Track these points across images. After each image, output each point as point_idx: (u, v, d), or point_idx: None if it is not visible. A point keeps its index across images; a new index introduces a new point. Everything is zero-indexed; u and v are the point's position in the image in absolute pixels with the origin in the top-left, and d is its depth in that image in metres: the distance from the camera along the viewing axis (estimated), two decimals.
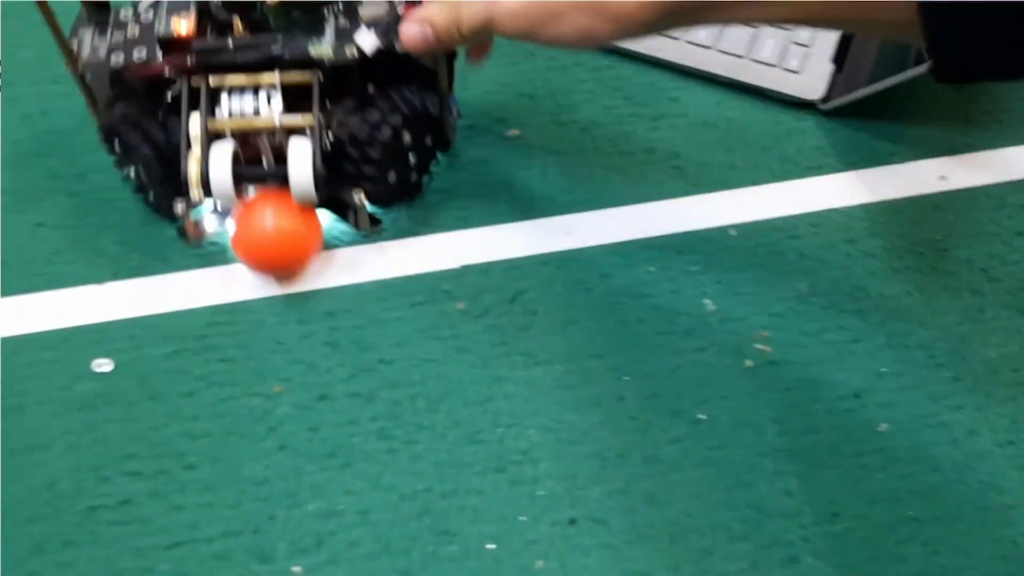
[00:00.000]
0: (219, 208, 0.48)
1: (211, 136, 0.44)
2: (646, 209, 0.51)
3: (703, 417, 0.44)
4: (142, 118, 0.44)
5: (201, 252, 0.48)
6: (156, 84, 0.44)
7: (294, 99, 0.44)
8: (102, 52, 0.44)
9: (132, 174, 0.46)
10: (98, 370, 0.45)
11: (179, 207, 0.45)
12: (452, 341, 0.46)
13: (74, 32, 0.45)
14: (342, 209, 0.48)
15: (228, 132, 0.44)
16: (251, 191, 0.46)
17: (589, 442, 0.43)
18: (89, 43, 0.44)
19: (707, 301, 0.47)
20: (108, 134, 0.45)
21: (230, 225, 0.47)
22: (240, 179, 0.44)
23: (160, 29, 0.44)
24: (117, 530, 0.41)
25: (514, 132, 0.53)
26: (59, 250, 0.48)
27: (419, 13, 0.41)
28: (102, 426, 0.43)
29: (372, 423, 0.44)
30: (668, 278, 0.48)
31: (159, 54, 0.43)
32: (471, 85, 0.55)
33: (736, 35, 0.56)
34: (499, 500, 0.42)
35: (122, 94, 0.45)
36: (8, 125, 0.53)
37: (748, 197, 0.51)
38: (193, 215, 0.47)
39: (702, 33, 0.56)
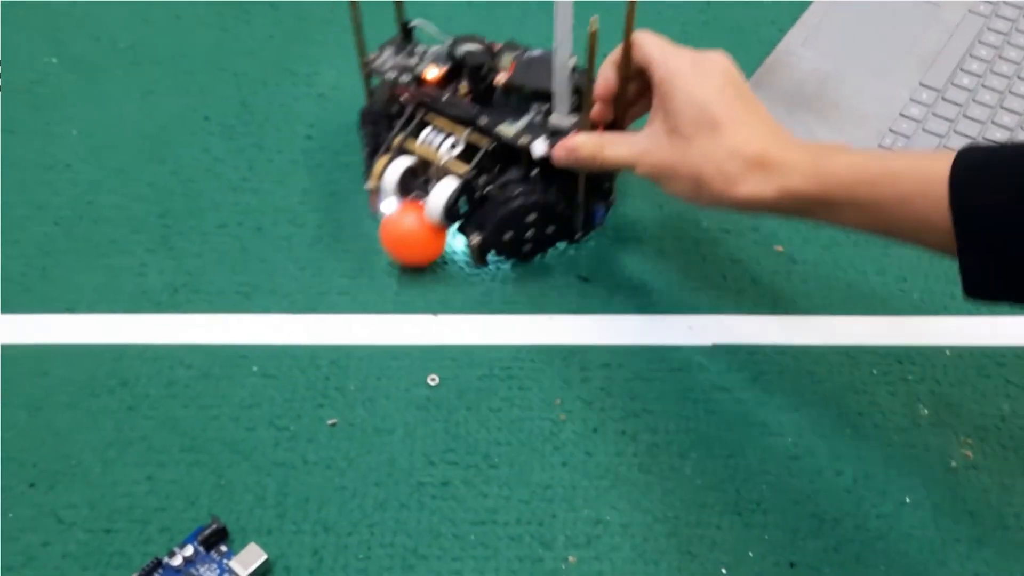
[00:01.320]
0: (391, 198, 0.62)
1: (402, 150, 0.60)
2: (874, 321, 0.61)
3: (908, 500, 0.53)
4: (380, 117, 0.62)
5: (510, 300, 0.62)
6: (398, 101, 0.61)
7: (471, 152, 0.59)
8: (387, 66, 0.61)
9: (363, 146, 0.64)
10: (430, 382, 0.58)
11: (368, 184, 0.61)
12: (703, 404, 0.57)
13: (383, 46, 0.62)
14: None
15: (413, 153, 0.60)
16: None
17: (810, 504, 0.53)
18: (385, 57, 0.62)
19: (920, 406, 0.57)
20: (362, 117, 0.63)
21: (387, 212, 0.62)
22: (404, 187, 0.60)
23: (418, 68, 0.61)
24: (438, 503, 0.53)
25: (779, 248, 0.64)
26: (406, 284, 0.62)
27: (570, 140, 0.54)
28: (430, 423, 0.56)
29: (634, 458, 0.55)
30: (888, 381, 0.58)
31: (409, 83, 0.61)
32: None
33: None
34: (733, 537, 0.52)
35: (384, 98, 0.62)
36: None
37: (964, 324, 0.60)
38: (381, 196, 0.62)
39: None
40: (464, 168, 0.59)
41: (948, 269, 0.62)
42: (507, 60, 0.60)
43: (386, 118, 0.62)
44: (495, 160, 0.59)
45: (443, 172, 0.59)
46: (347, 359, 0.59)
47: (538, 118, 0.58)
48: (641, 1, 0.79)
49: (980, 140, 0.68)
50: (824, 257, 0.64)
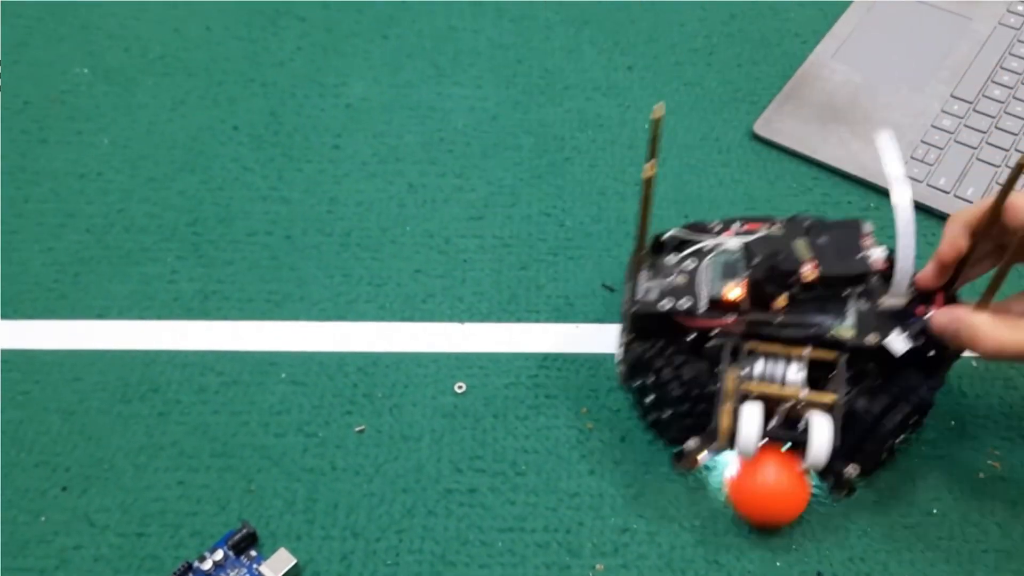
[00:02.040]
0: (737, 452, 0.50)
1: (741, 394, 0.50)
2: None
3: (936, 511, 0.53)
4: (677, 357, 0.51)
5: (535, 309, 0.62)
6: (694, 332, 0.51)
7: (814, 369, 0.50)
8: (652, 295, 0.51)
9: (649, 398, 0.53)
10: (457, 390, 0.58)
11: (691, 443, 0.52)
12: None
13: (631, 272, 0.51)
14: (824, 471, 0.51)
15: (754, 393, 0.50)
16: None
17: (837, 514, 0.53)
18: (644, 284, 0.51)
19: (947, 416, 0.57)
20: (641, 363, 0.52)
21: (730, 466, 0.53)
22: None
23: (714, 290, 0.50)
24: (466, 510, 0.54)
25: None
26: (432, 293, 0.63)
27: (962, 316, 0.46)
28: (458, 431, 0.57)
29: (661, 467, 0.55)
30: None
31: (704, 307, 0.50)
32: None
33: None
34: (760, 546, 0.52)
35: (648, 329, 0.52)
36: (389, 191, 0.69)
37: None
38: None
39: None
40: (828, 397, 0.49)
41: (973, 282, 0.63)
42: (802, 248, 0.50)
43: (681, 354, 0.52)
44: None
45: (796, 406, 0.50)
46: (374, 366, 0.59)
47: (863, 306, 0.50)
48: (667, 5, 0.80)
49: (1013, 152, 0.68)
50: None
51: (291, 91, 0.75)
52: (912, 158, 0.68)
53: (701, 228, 0.54)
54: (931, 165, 0.67)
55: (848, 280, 0.50)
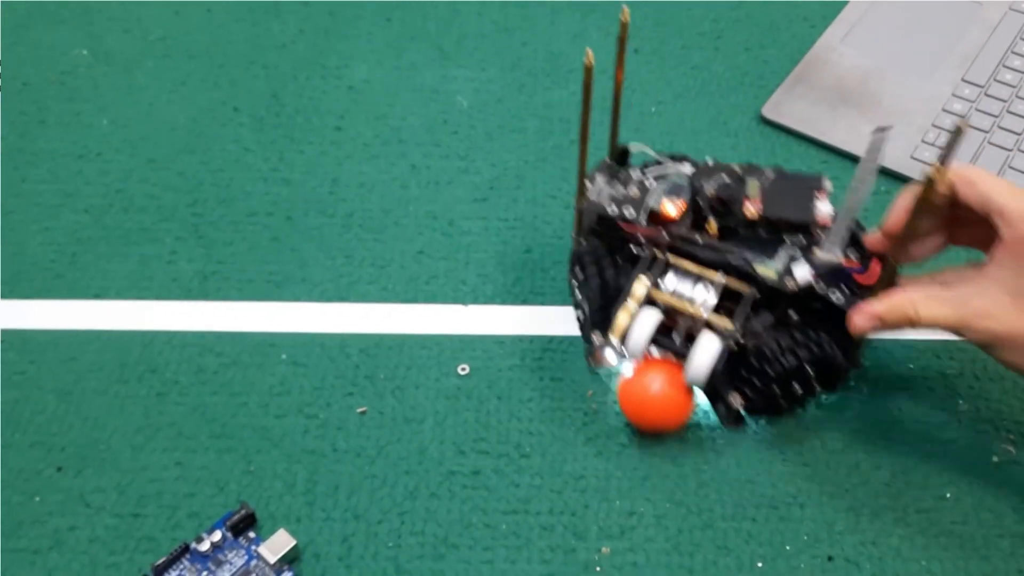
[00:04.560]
0: (624, 352, 0.52)
1: (647, 300, 0.51)
2: None
3: (949, 495, 0.52)
4: (604, 257, 0.54)
5: (540, 291, 0.61)
6: (627, 239, 0.53)
7: (724, 297, 0.51)
8: (604, 197, 0.53)
9: (577, 293, 0.55)
10: (460, 372, 0.57)
11: (595, 337, 0.54)
12: None
13: (592, 172, 0.55)
14: (714, 397, 0.53)
15: (660, 303, 0.51)
16: (653, 352, 0.52)
17: (848, 498, 0.52)
18: (598, 187, 0.54)
19: (960, 401, 0.56)
20: (577, 257, 0.55)
21: (626, 370, 0.54)
22: (653, 343, 0.51)
23: (653, 202, 0.52)
24: (469, 492, 0.53)
25: None
26: (436, 275, 0.62)
27: (873, 306, 0.46)
28: (461, 413, 0.56)
29: (668, 450, 0.54)
30: (925, 376, 0.57)
31: (643, 219, 0.52)
32: None
33: None
34: (769, 530, 0.51)
35: (599, 232, 0.54)
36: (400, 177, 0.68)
37: None
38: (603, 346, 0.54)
39: None
40: (726, 323, 0.50)
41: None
42: (753, 187, 0.51)
43: (608, 256, 0.54)
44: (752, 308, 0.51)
45: (697, 324, 0.51)
46: (377, 348, 0.58)
47: (796, 252, 0.50)
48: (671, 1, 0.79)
49: None
50: None
51: (293, 73, 0.74)
52: (923, 142, 0.67)
53: (708, 169, 0.53)
54: (942, 149, 0.66)
55: (788, 225, 0.50)
